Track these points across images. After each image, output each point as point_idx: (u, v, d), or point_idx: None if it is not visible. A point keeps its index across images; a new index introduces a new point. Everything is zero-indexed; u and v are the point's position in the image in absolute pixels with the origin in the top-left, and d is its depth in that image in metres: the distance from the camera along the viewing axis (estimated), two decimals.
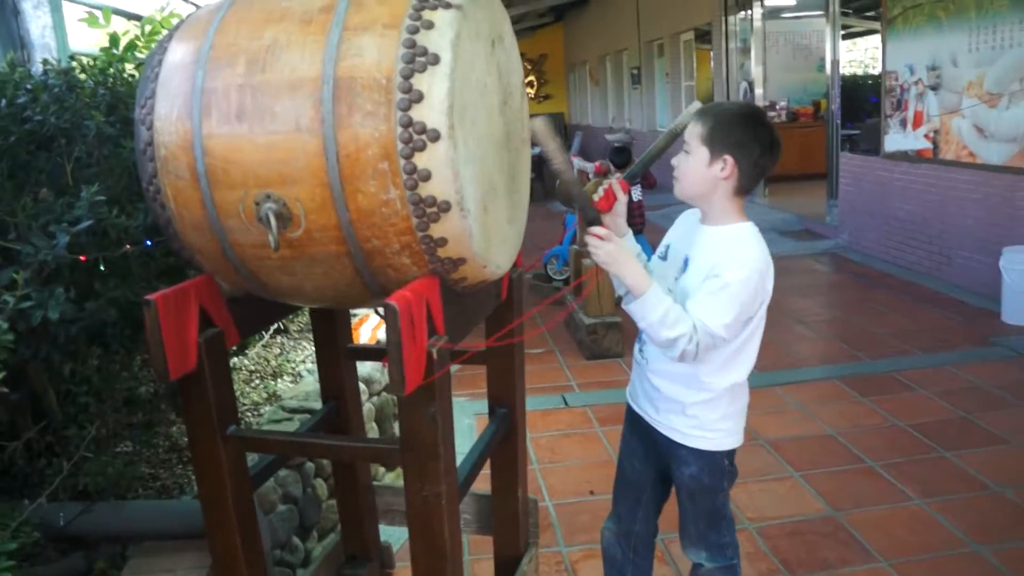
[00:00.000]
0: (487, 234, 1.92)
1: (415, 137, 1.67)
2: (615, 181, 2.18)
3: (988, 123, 6.40)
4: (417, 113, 1.66)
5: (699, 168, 2.08)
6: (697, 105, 2.03)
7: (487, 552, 2.88)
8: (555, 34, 22.96)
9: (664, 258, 2.28)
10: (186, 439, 3.13)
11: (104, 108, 2.53)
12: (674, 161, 2.14)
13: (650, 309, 1.97)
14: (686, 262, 2.15)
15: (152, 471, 2.98)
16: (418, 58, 1.67)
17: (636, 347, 2.33)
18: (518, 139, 2.24)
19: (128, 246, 2.38)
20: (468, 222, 1.77)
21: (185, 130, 1.80)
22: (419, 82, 1.66)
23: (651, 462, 2.35)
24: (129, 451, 2.95)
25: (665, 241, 2.32)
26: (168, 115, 1.83)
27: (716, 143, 2.03)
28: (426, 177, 1.69)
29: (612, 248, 2.01)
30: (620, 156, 6.76)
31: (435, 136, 1.67)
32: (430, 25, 1.69)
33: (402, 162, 1.69)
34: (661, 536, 2.53)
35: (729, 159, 2.03)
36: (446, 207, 1.73)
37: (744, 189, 2.09)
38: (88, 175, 2.47)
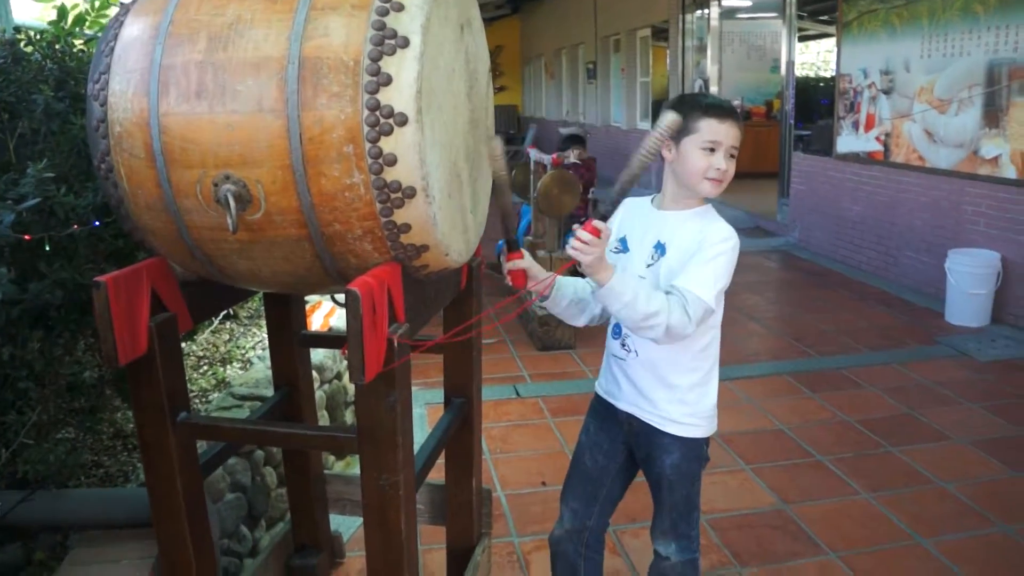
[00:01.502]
0: (451, 221, 1.89)
1: (382, 121, 1.63)
2: (506, 260, 2.09)
3: (938, 128, 6.54)
4: (385, 96, 1.63)
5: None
6: (671, 116, 1.94)
7: (440, 542, 2.86)
8: (511, 26, 22.92)
9: (624, 250, 2.26)
10: (132, 425, 3.06)
11: (52, 83, 2.44)
12: (725, 166, 2.08)
13: (622, 290, 1.95)
14: (661, 248, 2.15)
15: (95, 458, 2.89)
16: (387, 41, 1.63)
17: (615, 342, 2.29)
18: (483, 126, 2.21)
19: (76, 226, 2.30)
20: (433, 209, 1.74)
21: (141, 107, 1.74)
22: (387, 65, 1.63)
23: (616, 457, 2.34)
24: (72, 438, 2.86)
25: (616, 235, 2.29)
26: (124, 91, 1.76)
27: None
28: (392, 162, 1.66)
29: (600, 254, 1.94)
30: (569, 143, 6.80)
31: (402, 120, 1.63)
32: (400, 7, 1.65)
33: (368, 146, 1.65)
34: (612, 528, 2.52)
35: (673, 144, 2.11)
36: (411, 193, 1.70)
37: None
38: (33, 151, 2.38)
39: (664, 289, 2.05)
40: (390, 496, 1.90)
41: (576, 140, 6.91)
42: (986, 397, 4.60)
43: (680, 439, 2.21)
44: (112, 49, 1.81)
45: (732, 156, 2.09)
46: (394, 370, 1.80)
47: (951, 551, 3.09)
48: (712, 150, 2.06)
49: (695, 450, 2.24)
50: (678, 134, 2.04)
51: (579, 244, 1.90)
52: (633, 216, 2.28)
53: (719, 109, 2.07)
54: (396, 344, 1.78)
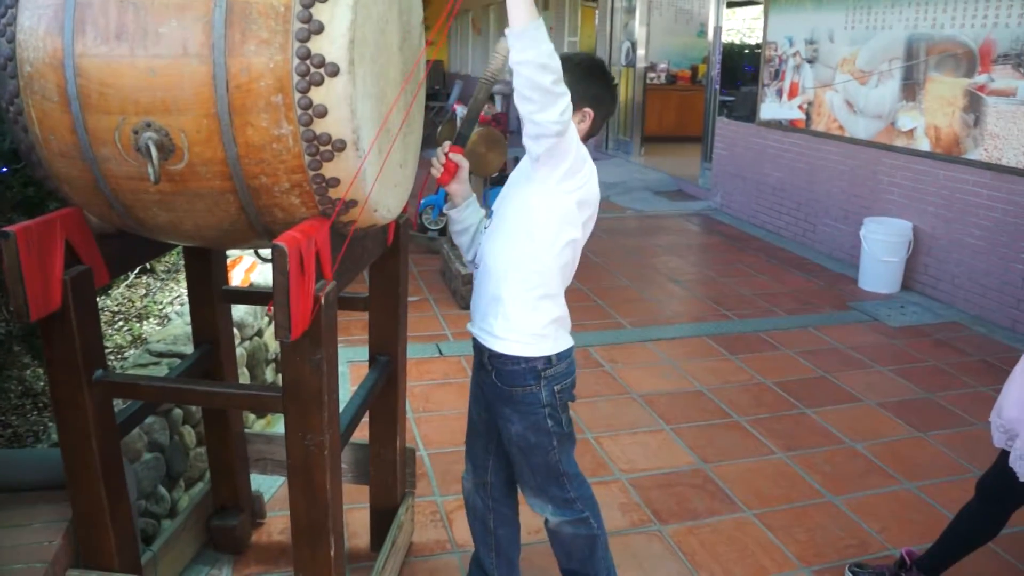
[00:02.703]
0: (381, 176, 1.85)
1: (312, 70, 1.58)
2: (447, 150, 2.15)
3: (858, 99, 6.69)
4: (316, 45, 1.57)
5: None
6: (504, 45, 1.94)
7: (363, 501, 2.85)
8: None
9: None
10: (42, 383, 2.94)
11: None
12: None
13: (542, 39, 1.83)
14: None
15: (3, 418, 2.77)
16: None
17: (469, 256, 2.30)
18: (414, 81, 2.16)
19: None
20: (362, 163, 1.70)
21: (55, 47, 1.64)
22: (320, 12, 1.57)
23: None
24: None
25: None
26: (34, 28, 1.66)
27: (575, 97, 2.00)
28: (322, 113, 1.61)
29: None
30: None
31: (334, 71, 1.58)
32: None
33: (297, 96, 1.59)
34: None
35: (589, 111, 2.13)
36: (341, 146, 1.65)
37: (593, 134, 2.20)
38: None
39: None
40: (315, 456, 1.88)
41: (491, 95, 6.88)
42: (895, 361, 4.77)
43: (519, 411, 2.18)
44: None
45: None
46: (320, 328, 1.76)
47: (860, 507, 3.22)
48: None
49: (536, 423, 2.19)
50: None
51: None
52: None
53: None
54: (324, 301, 1.74)
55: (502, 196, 2.22)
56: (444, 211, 2.31)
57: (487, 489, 2.45)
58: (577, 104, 2.04)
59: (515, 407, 2.20)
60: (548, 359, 2.16)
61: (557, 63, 1.84)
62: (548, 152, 1.97)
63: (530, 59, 1.82)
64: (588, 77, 2.11)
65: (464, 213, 2.26)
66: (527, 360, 2.15)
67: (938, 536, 2.64)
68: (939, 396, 4.28)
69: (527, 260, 2.11)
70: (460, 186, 2.21)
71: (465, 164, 2.19)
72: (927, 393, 4.32)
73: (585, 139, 2.14)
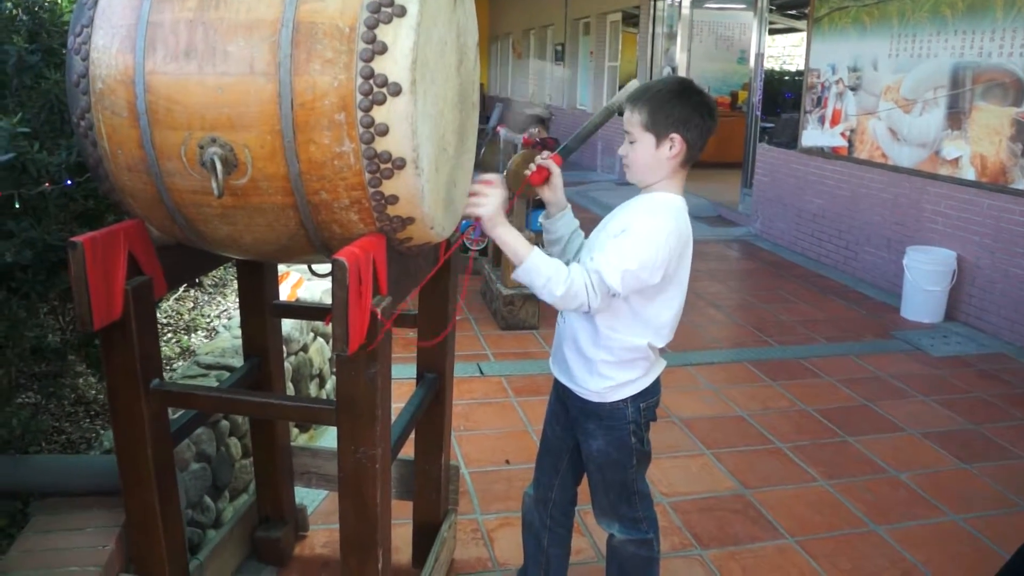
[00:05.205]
0: (436, 195, 1.88)
1: (375, 90, 1.61)
2: (547, 156, 2.26)
3: (902, 127, 6.64)
4: (379, 65, 1.61)
5: (648, 153, 2.10)
6: (635, 84, 2.05)
7: (406, 517, 2.86)
8: (480, 3, 22.65)
9: (603, 229, 2.28)
10: (94, 392, 3.01)
11: (25, 34, 2.37)
12: (621, 151, 2.17)
13: (535, 274, 1.98)
14: (607, 223, 2.20)
15: (56, 424, 2.83)
16: (384, 8, 1.61)
17: (559, 316, 2.36)
18: (469, 102, 2.20)
19: (48, 184, 2.24)
20: (421, 181, 1.73)
21: (126, 64, 1.70)
22: (383, 33, 1.61)
23: (570, 429, 2.35)
24: (33, 403, 2.80)
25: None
26: (107, 47, 1.72)
27: (659, 125, 2.06)
28: (383, 132, 1.64)
29: (496, 206, 2.01)
30: (531, 122, 6.90)
31: (396, 90, 1.62)
32: None
33: (360, 114, 1.63)
34: (579, 507, 2.54)
35: (677, 137, 2.07)
36: (401, 164, 1.68)
37: (691, 159, 2.13)
38: (3, 106, 2.31)
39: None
40: (366, 469, 1.90)
41: (537, 120, 6.97)
42: (938, 391, 4.71)
43: (604, 426, 2.22)
44: (96, 2, 1.76)
45: (630, 141, 2.13)
46: (376, 342, 1.79)
47: (904, 538, 3.17)
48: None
49: (620, 438, 2.22)
50: None
51: (474, 198, 2.03)
52: None
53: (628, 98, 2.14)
54: (380, 316, 1.77)
55: (586, 253, 2.20)
56: (540, 220, 2.37)
57: (547, 507, 2.46)
58: (661, 132, 2.06)
59: (600, 422, 2.22)
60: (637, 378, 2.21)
61: (554, 282, 1.95)
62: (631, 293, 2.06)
63: (535, 288, 2.00)
64: (669, 102, 2.06)
65: (557, 224, 2.31)
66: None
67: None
68: (984, 427, 4.21)
69: (616, 338, 2.15)
70: (553, 194, 2.27)
71: (557, 172, 2.24)
72: (972, 424, 4.25)
73: (683, 165, 2.11)
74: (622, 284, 1.99)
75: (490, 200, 2.01)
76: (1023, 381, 4.90)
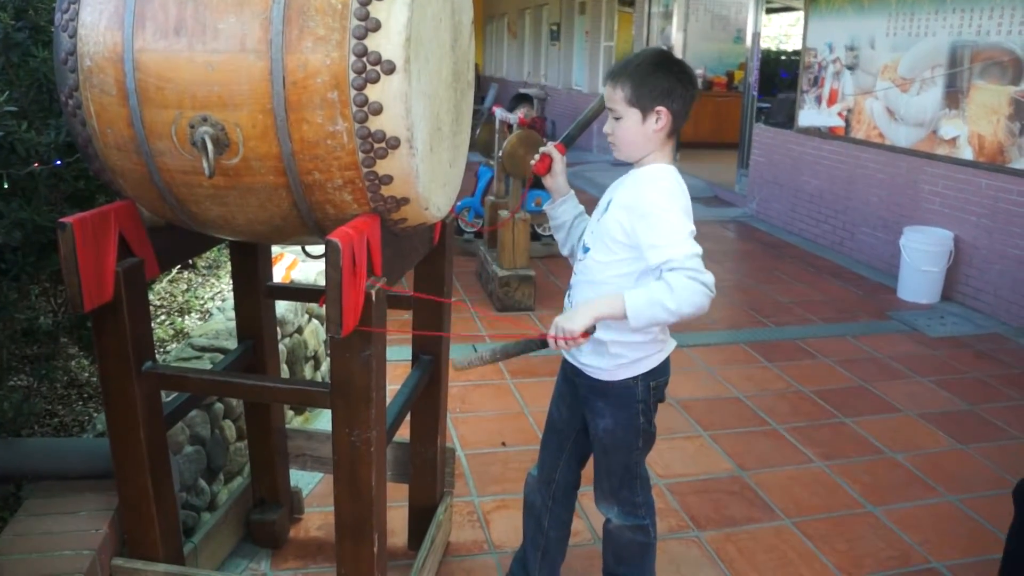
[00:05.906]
0: (432, 174, 1.86)
1: (369, 68, 1.58)
2: (551, 146, 2.27)
3: (899, 106, 6.61)
4: (373, 42, 1.58)
5: (635, 128, 2.08)
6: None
7: (402, 500, 2.85)
8: None
9: (605, 210, 2.25)
10: (87, 374, 2.99)
11: (11, 11, 2.32)
12: (607, 129, 2.13)
13: (646, 313, 1.91)
14: (608, 204, 2.16)
15: (49, 407, 2.81)
16: None
17: (565, 251, 2.37)
18: (464, 80, 2.17)
19: (37, 164, 2.21)
20: (415, 161, 1.70)
21: (115, 42, 1.66)
22: (377, 10, 1.57)
23: (577, 411, 2.35)
24: (25, 385, 2.78)
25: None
26: (95, 24, 1.69)
27: (644, 99, 2.03)
28: (377, 111, 1.61)
29: (580, 320, 1.93)
30: (517, 101, 6.87)
31: (390, 68, 1.59)
32: None
33: (353, 93, 1.60)
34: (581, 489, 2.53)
35: (663, 110, 2.05)
36: (395, 143, 1.65)
37: (677, 129, 2.12)
38: None
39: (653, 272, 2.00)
40: (361, 452, 1.88)
41: (523, 99, 6.96)
42: (935, 372, 4.70)
43: (612, 404, 2.20)
44: None
45: (615, 118, 2.09)
46: (371, 324, 1.77)
47: (900, 519, 3.17)
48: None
49: (629, 417, 2.21)
50: None
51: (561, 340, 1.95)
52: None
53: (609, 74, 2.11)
54: (375, 298, 1.75)
55: (590, 236, 2.19)
56: (545, 207, 2.37)
57: (551, 488, 2.45)
58: (646, 106, 2.03)
59: (609, 400, 2.20)
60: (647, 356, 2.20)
61: (666, 299, 1.88)
62: None
63: (661, 321, 1.94)
64: (651, 75, 2.03)
65: (560, 209, 2.33)
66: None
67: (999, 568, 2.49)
68: (981, 408, 4.21)
69: None
70: (556, 181, 2.29)
71: (560, 159, 2.26)
72: (968, 405, 4.25)
73: (669, 136, 2.10)
74: (694, 243, 1.97)
75: (575, 320, 1.92)
76: (1019, 361, 4.90)
